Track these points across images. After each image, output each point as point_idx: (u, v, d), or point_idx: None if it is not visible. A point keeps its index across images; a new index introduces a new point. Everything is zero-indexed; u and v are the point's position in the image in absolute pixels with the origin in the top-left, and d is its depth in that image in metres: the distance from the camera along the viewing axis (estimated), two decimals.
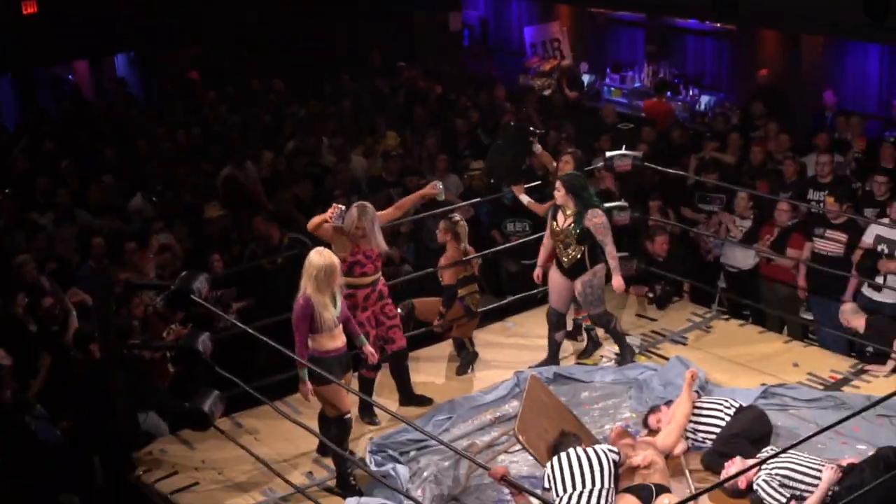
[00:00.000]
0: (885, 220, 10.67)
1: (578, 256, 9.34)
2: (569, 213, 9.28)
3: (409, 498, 7.52)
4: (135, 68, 21.12)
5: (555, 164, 10.19)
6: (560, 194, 9.27)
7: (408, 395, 9.24)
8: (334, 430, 8.01)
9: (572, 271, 9.40)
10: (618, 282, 9.33)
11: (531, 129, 10.47)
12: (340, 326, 7.94)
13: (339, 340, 7.93)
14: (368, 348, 8.27)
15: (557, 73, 19.33)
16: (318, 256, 7.74)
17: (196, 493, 8.23)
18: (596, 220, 9.22)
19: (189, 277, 8.38)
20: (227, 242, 11.73)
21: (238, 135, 15.49)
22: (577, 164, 9.98)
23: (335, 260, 7.79)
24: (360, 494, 7.91)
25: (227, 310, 10.20)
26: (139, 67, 21.08)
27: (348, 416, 8.03)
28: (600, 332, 10.01)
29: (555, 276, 9.58)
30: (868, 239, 10.77)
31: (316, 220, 8.64)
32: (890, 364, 9.67)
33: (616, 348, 10.00)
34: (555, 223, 9.39)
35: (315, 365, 7.71)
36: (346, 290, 8.41)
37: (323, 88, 18.09)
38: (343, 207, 8.58)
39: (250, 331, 8.03)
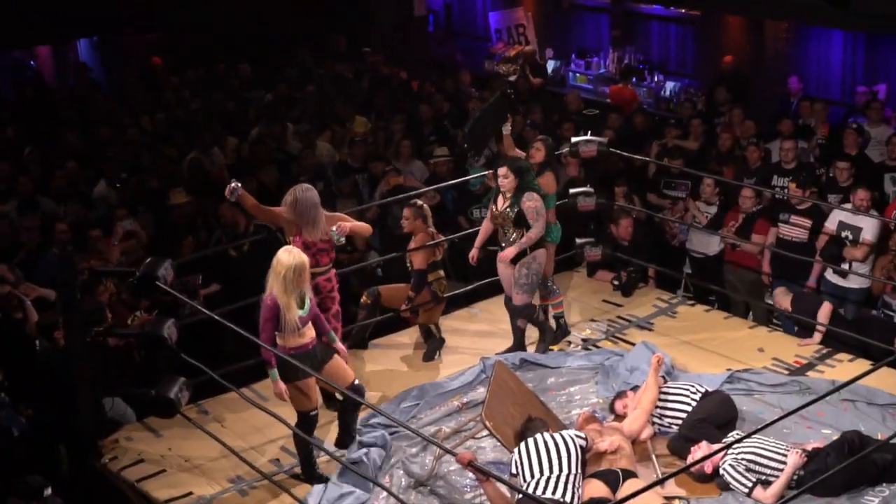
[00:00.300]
0: (848, 206, 10.72)
1: (517, 240, 9.32)
2: (508, 195, 9.29)
3: (377, 484, 7.52)
4: (97, 53, 20.97)
5: (515, 150, 10.12)
6: (508, 180, 9.24)
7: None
8: (300, 424, 7.96)
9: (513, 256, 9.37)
10: (506, 253, 9.35)
11: (517, 105, 10.48)
12: (309, 323, 7.81)
13: (306, 337, 7.76)
14: (339, 345, 8.13)
15: (521, 58, 19.30)
16: (288, 255, 7.58)
17: (162, 481, 8.19)
18: (530, 203, 9.21)
19: (154, 264, 8.33)
20: (193, 229, 11.66)
21: (202, 120, 15.39)
22: (548, 151, 9.98)
23: (304, 259, 7.64)
24: (325, 481, 7.90)
25: (193, 296, 10.14)
26: (102, 52, 20.92)
27: (315, 412, 7.98)
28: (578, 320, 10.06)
29: (500, 262, 9.58)
30: (831, 225, 10.83)
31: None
32: (817, 336, 9.86)
33: (582, 334, 10.04)
34: (494, 206, 9.40)
35: (281, 363, 7.64)
36: None
37: (287, 73, 17.99)
38: (235, 184, 8.38)
39: (216, 317, 8.00)
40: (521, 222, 9.26)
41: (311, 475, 8.03)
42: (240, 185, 8.39)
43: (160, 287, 8.23)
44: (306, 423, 7.95)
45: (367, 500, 7.69)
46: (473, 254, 9.78)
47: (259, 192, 12.51)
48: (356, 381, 8.07)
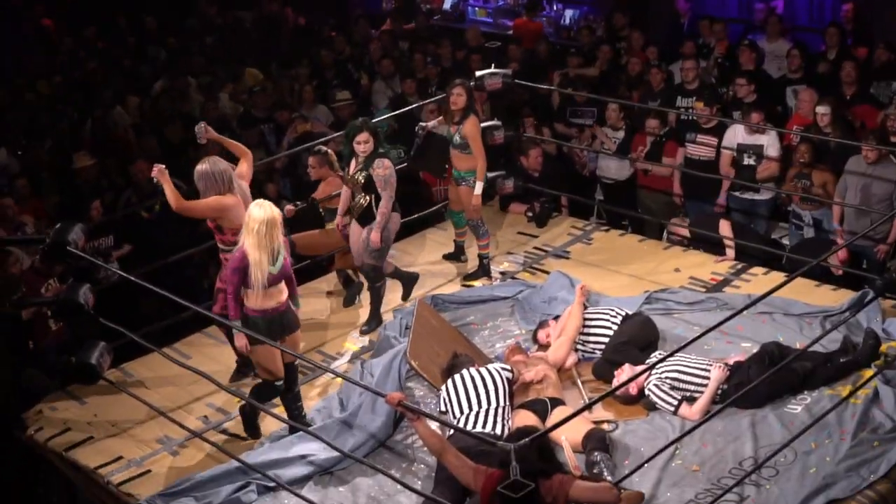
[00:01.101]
0: (755, 120, 10.85)
1: (365, 205, 8.96)
2: (361, 159, 8.97)
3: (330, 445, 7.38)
4: None
5: None
6: (368, 145, 8.86)
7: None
8: (260, 393, 7.71)
9: (362, 219, 9.02)
10: (375, 237, 8.86)
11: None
12: (281, 285, 7.51)
13: (273, 300, 7.44)
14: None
15: None
16: (259, 209, 7.28)
17: (91, 448, 8.09)
18: (380, 170, 8.84)
19: (63, 229, 8.15)
20: (100, 191, 11.47)
21: (100, 80, 15.09)
22: (468, 94, 9.81)
23: (276, 213, 7.35)
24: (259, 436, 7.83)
25: (107, 259, 10.00)
26: None
27: (279, 383, 7.66)
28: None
29: (353, 226, 9.21)
30: (731, 144, 10.98)
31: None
32: (731, 252, 10.08)
33: (500, 267, 10.11)
34: (347, 169, 9.06)
35: (244, 324, 7.42)
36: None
37: (188, 24, 17.68)
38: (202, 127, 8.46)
39: (133, 279, 7.90)
40: (370, 188, 8.93)
41: (252, 428, 7.92)
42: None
43: (72, 252, 8.09)
44: (268, 390, 7.69)
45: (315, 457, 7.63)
46: (339, 222, 9.44)
47: (165, 149, 12.40)
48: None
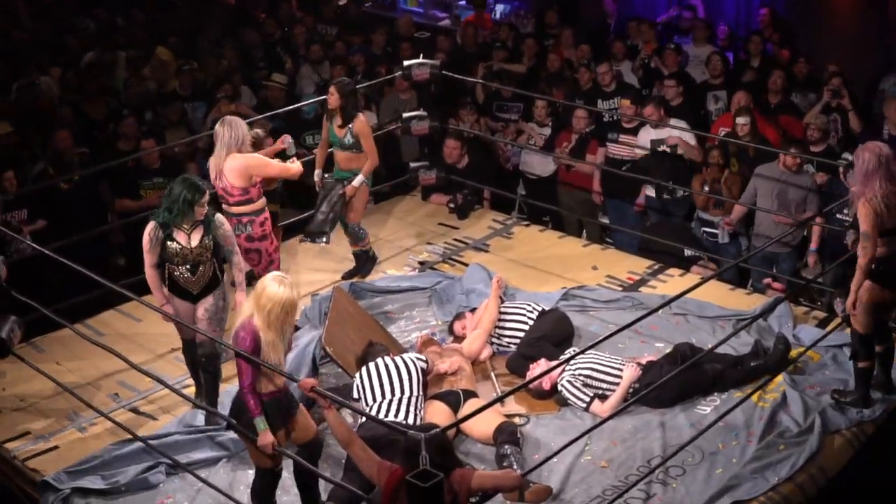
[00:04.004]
0: (681, 123, 11.01)
1: (210, 274, 7.69)
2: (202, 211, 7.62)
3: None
4: None
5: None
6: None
7: None
8: (262, 482, 6.78)
9: (204, 291, 7.69)
10: (240, 297, 7.55)
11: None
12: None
13: (279, 379, 6.57)
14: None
15: None
16: (277, 287, 6.37)
17: None
18: (224, 228, 7.74)
19: None
20: (19, 162, 11.26)
21: (27, 51, 14.82)
22: (340, 94, 9.36)
23: (295, 296, 6.48)
24: None
25: (18, 233, 9.85)
26: None
27: (281, 468, 6.79)
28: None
29: (178, 304, 7.75)
30: (644, 142, 11.16)
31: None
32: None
33: (419, 257, 10.13)
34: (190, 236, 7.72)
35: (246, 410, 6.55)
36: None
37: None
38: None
39: (50, 254, 7.79)
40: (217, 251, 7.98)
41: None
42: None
43: None
44: (271, 480, 6.79)
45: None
46: (319, 180, 9.63)
47: (84, 123, 12.25)
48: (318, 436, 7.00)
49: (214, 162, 8.41)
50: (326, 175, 9.71)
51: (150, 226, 7.51)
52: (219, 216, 7.73)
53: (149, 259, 7.56)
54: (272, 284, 6.38)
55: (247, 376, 6.40)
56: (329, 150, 9.71)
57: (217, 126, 8.43)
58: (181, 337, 7.96)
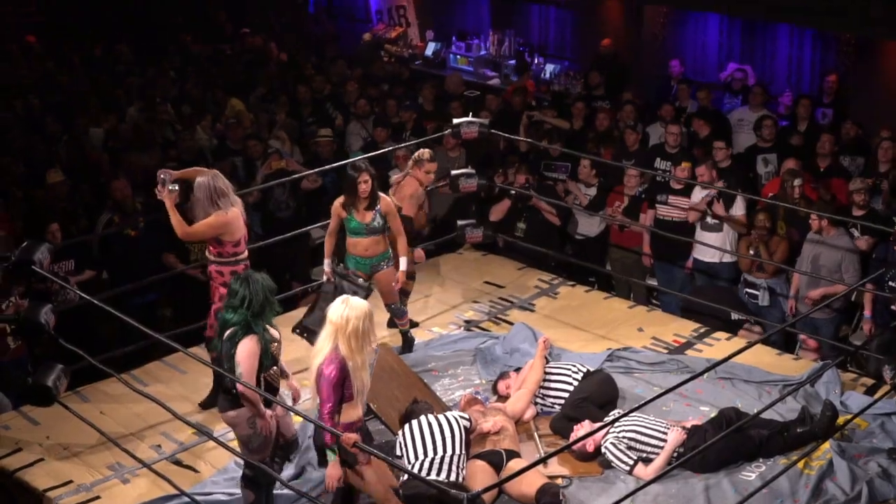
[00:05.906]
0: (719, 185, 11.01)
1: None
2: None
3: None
4: None
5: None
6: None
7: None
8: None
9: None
10: (293, 384, 7.38)
11: None
12: None
13: (361, 407, 6.60)
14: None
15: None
16: (346, 307, 6.39)
17: (41, 469, 8.03)
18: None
19: (30, 248, 8.12)
20: (69, 210, 11.38)
21: (79, 102, 15.05)
22: (374, 181, 8.97)
23: (368, 309, 6.52)
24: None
25: (65, 283, 9.94)
26: None
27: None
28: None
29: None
30: (697, 201, 11.14)
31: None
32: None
33: (465, 315, 10.10)
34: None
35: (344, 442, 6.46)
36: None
37: (167, 53, 17.72)
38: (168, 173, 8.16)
39: (97, 303, 7.85)
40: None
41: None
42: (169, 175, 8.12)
43: (37, 272, 8.03)
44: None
45: None
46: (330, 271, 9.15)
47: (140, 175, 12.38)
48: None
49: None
50: (340, 265, 9.25)
51: (254, 340, 6.75)
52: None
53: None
54: (339, 308, 6.41)
55: (329, 405, 6.36)
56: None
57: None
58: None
